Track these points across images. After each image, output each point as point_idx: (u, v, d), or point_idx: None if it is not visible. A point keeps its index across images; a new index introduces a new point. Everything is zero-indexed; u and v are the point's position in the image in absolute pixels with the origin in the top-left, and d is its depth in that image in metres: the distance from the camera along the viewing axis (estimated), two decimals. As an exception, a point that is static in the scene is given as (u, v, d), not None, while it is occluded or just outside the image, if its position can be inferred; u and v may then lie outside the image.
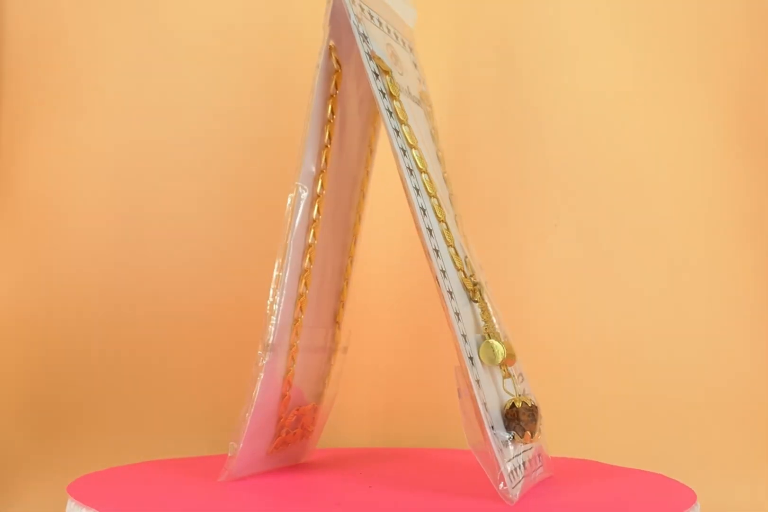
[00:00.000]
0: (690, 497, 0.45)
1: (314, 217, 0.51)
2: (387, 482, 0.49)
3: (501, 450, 0.43)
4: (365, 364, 0.64)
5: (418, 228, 0.46)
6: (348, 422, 0.65)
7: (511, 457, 0.43)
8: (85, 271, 0.69)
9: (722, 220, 0.69)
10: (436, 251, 0.47)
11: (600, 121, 0.68)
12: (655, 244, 0.68)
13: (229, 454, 0.48)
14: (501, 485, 0.42)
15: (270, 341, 0.48)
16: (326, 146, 0.51)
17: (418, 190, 0.47)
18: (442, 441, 0.62)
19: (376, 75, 0.48)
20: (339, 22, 0.50)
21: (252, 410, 0.48)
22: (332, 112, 0.51)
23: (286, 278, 0.49)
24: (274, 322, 0.48)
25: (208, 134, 0.70)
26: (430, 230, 0.47)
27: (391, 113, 0.48)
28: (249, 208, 0.70)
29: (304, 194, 0.50)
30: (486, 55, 0.68)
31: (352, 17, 0.50)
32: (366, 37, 0.49)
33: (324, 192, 0.51)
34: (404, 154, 0.47)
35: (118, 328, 0.69)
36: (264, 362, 0.48)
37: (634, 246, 0.68)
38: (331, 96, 0.51)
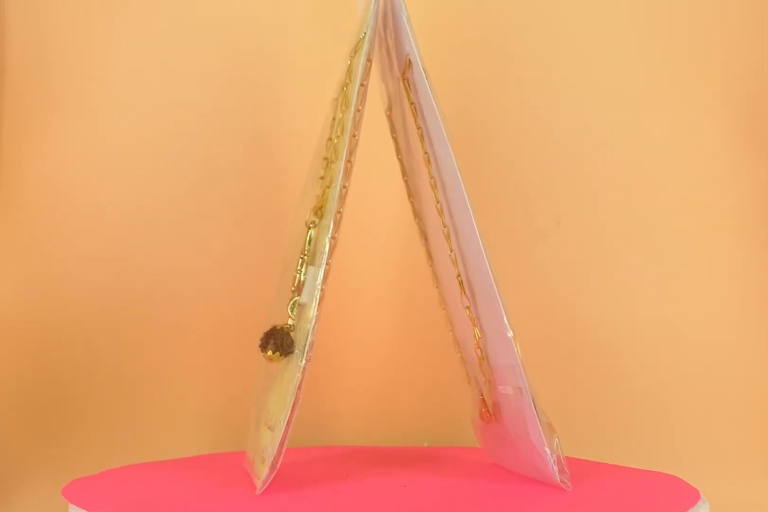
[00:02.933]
0: (694, 496, 0.46)
1: (341, 210, 0.49)
2: (413, 480, 0.49)
3: (551, 442, 0.47)
4: (362, 364, 0.61)
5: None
6: (344, 422, 0.62)
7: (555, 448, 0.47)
8: (86, 271, 0.67)
9: (724, 218, 0.68)
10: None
11: (601, 120, 0.68)
12: (656, 242, 0.68)
13: (270, 464, 0.44)
14: (559, 472, 0.46)
15: (312, 340, 0.46)
16: (354, 136, 0.49)
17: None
18: (437, 440, 0.62)
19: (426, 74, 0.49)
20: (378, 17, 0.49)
21: (290, 414, 0.45)
22: (361, 102, 0.49)
23: (320, 275, 0.47)
24: (314, 321, 0.46)
25: (209, 135, 0.69)
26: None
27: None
28: (251, 208, 0.69)
29: (340, 188, 0.48)
30: (485, 53, 0.68)
31: (404, 13, 0.49)
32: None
33: (348, 185, 0.49)
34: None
35: (118, 329, 0.67)
36: (305, 362, 0.45)
37: (636, 245, 0.68)
38: (362, 85, 0.49)
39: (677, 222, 0.68)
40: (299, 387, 0.45)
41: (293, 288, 0.51)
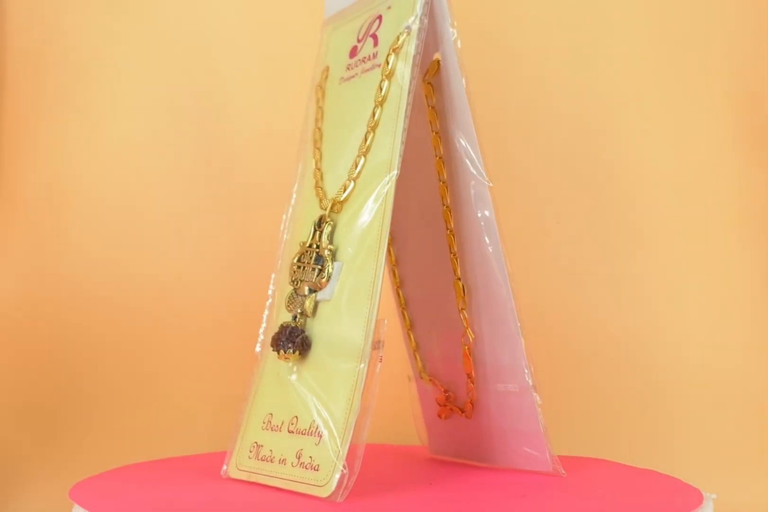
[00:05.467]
0: (697, 497, 0.45)
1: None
2: (433, 478, 0.50)
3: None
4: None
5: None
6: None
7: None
8: (86, 271, 0.68)
9: (724, 218, 0.68)
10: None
11: (602, 119, 0.67)
12: (656, 242, 0.67)
13: (344, 471, 0.41)
14: (552, 462, 0.50)
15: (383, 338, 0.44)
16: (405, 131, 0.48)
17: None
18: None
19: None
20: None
21: (360, 417, 0.42)
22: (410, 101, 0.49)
23: (380, 273, 0.45)
24: (374, 319, 0.44)
25: (209, 134, 0.69)
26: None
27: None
28: (251, 207, 0.68)
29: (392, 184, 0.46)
30: (487, 50, 0.66)
31: (448, 20, 0.49)
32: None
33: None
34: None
35: (117, 329, 0.67)
36: (367, 364, 0.43)
37: (636, 244, 0.67)
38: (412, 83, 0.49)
39: (680, 222, 0.68)
40: (369, 390, 0.43)
41: (297, 284, 0.49)
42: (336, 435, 0.43)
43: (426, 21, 0.48)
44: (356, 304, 0.45)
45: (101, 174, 0.68)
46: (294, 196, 0.53)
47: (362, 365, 0.44)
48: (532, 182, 0.69)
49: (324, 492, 0.42)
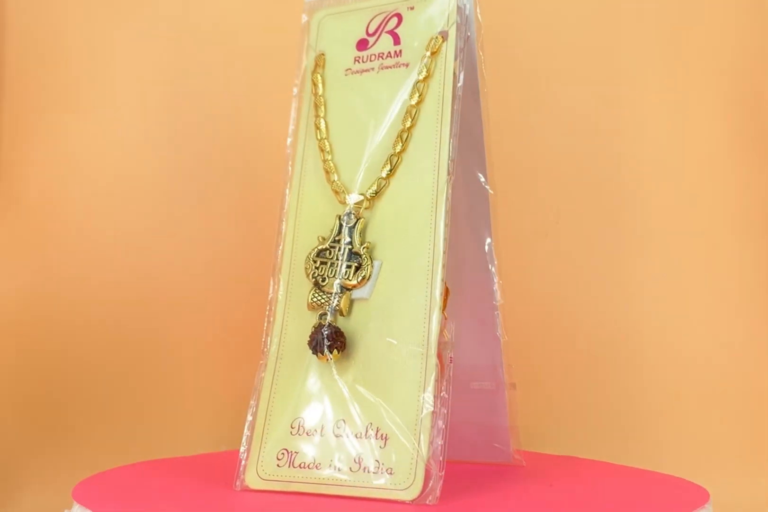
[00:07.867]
0: (702, 496, 0.45)
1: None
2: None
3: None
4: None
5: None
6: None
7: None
8: (88, 272, 0.68)
9: (723, 218, 0.68)
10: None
11: (603, 118, 0.67)
12: (655, 240, 0.66)
13: (433, 473, 0.40)
14: (515, 452, 0.54)
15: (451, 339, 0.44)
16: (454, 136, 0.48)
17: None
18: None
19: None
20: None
21: (437, 420, 0.42)
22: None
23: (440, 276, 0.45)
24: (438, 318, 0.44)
25: (209, 134, 0.70)
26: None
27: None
28: (252, 208, 0.68)
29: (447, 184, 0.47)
30: (487, 49, 0.60)
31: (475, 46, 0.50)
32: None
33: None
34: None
35: (120, 329, 0.67)
36: (437, 364, 0.43)
37: (635, 243, 0.66)
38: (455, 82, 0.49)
39: (679, 222, 0.68)
40: (443, 390, 0.43)
41: (322, 281, 0.47)
42: (412, 437, 0.42)
43: (465, 28, 0.50)
44: (412, 304, 0.45)
45: (101, 174, 0.68)
46: (292, 187, 0.50)
47: (428, 364, 0.44)
48: (531, 182, 0.69)
49: (408, 496, 0.41)
